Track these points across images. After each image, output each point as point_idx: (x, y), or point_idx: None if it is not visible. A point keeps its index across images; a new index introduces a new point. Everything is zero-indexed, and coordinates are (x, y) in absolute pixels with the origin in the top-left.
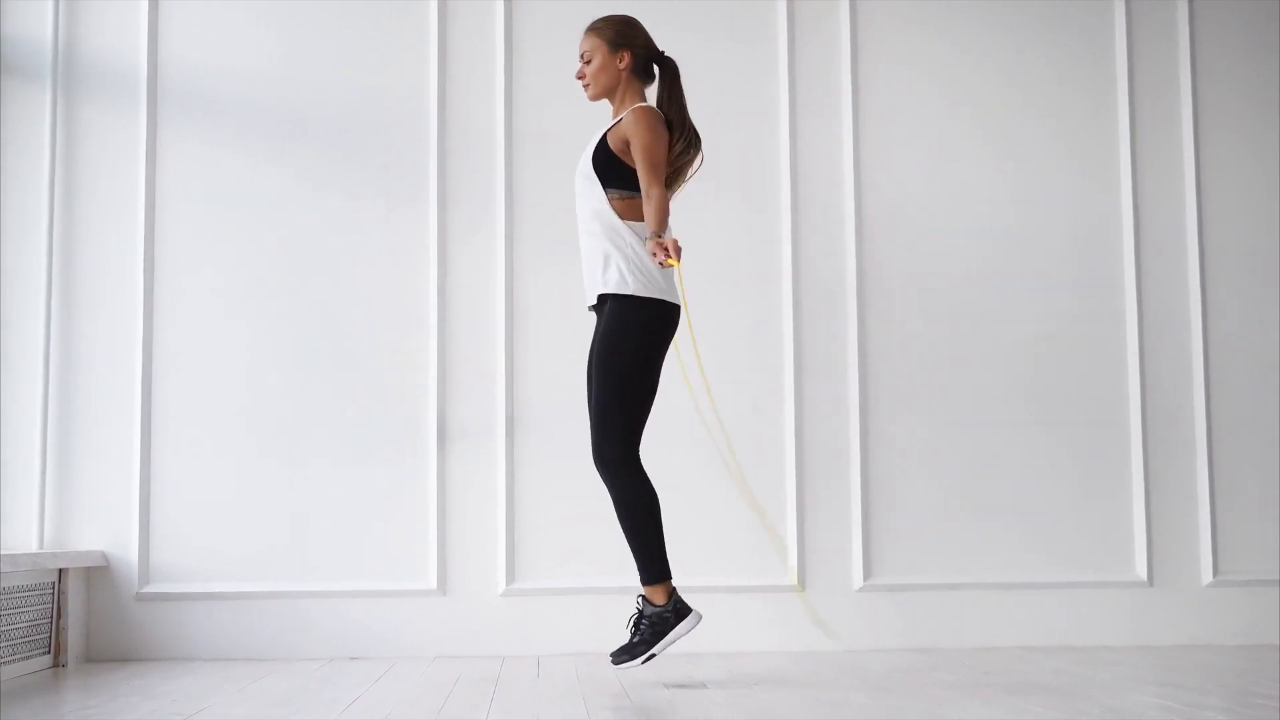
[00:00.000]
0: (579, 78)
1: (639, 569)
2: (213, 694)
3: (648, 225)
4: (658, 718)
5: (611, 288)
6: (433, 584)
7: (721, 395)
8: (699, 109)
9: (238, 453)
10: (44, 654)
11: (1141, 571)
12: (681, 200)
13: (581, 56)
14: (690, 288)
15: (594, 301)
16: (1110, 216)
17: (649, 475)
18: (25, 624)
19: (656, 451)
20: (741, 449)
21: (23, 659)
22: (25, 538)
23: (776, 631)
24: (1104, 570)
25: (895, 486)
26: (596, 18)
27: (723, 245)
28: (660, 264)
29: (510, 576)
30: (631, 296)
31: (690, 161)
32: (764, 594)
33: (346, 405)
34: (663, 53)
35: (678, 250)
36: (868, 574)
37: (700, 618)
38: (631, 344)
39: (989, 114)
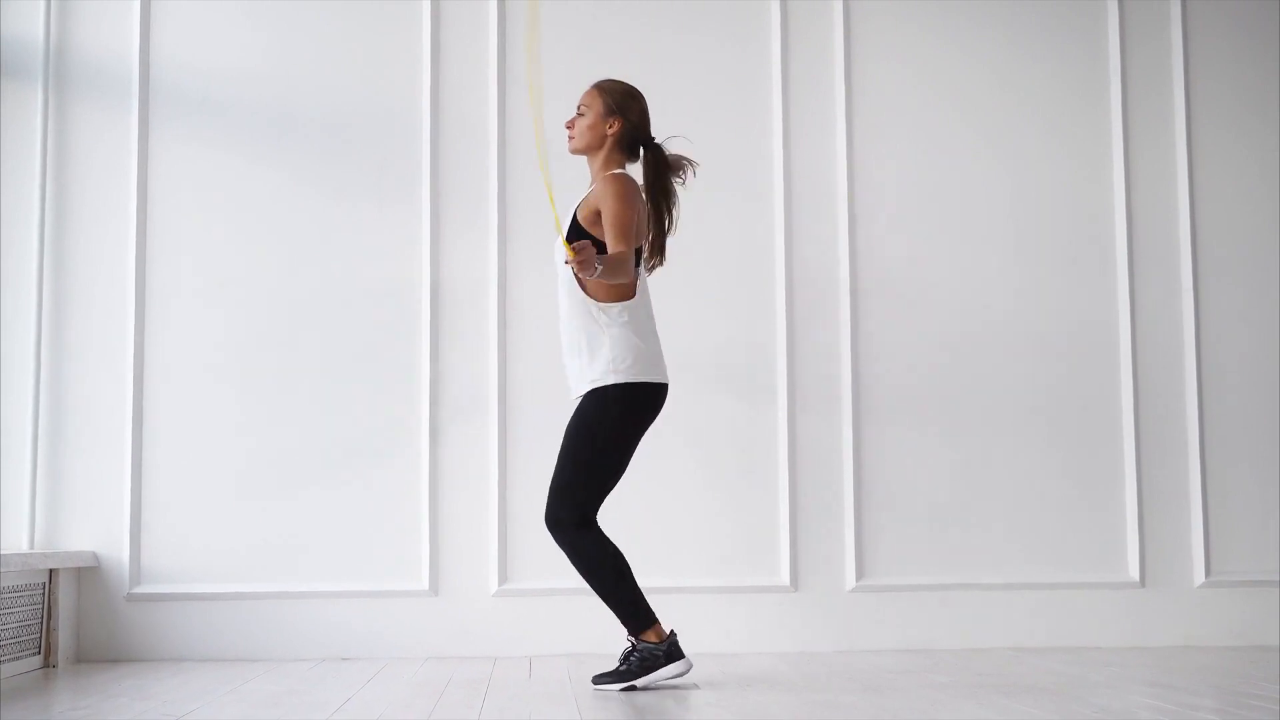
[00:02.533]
0: (567, 126)
1: (622, 623)
2: (203, 695)
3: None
4: (650, 718)
5: (590, 385)
6: (425, 584)
7: (715, 395)
8: (692, 109)
9: (229, 453)
10: (34, 654)
11: (1134, 572)
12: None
13: (578, 107)
14: (685, 287)
15: (576, 395)
16: (1103, 217)
17: (606, 534)
18: (15, 624)
19: (649, 454)
20: (735, 450)
21: (12, 659)
22: (15, 538)
23: (768, 632)
24: (1096, 571)
25: (888, 487)
26: (609, 78)
27: (716, 245)
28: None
29: (502, 577)
30: (611, 385)
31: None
32: (756, 595)
33: (338, 405)
34: (653, 137)
35: (581, 260)
36: (860, 575)
37: (690, 666)
38: (607, 429)
39: (982, 114)
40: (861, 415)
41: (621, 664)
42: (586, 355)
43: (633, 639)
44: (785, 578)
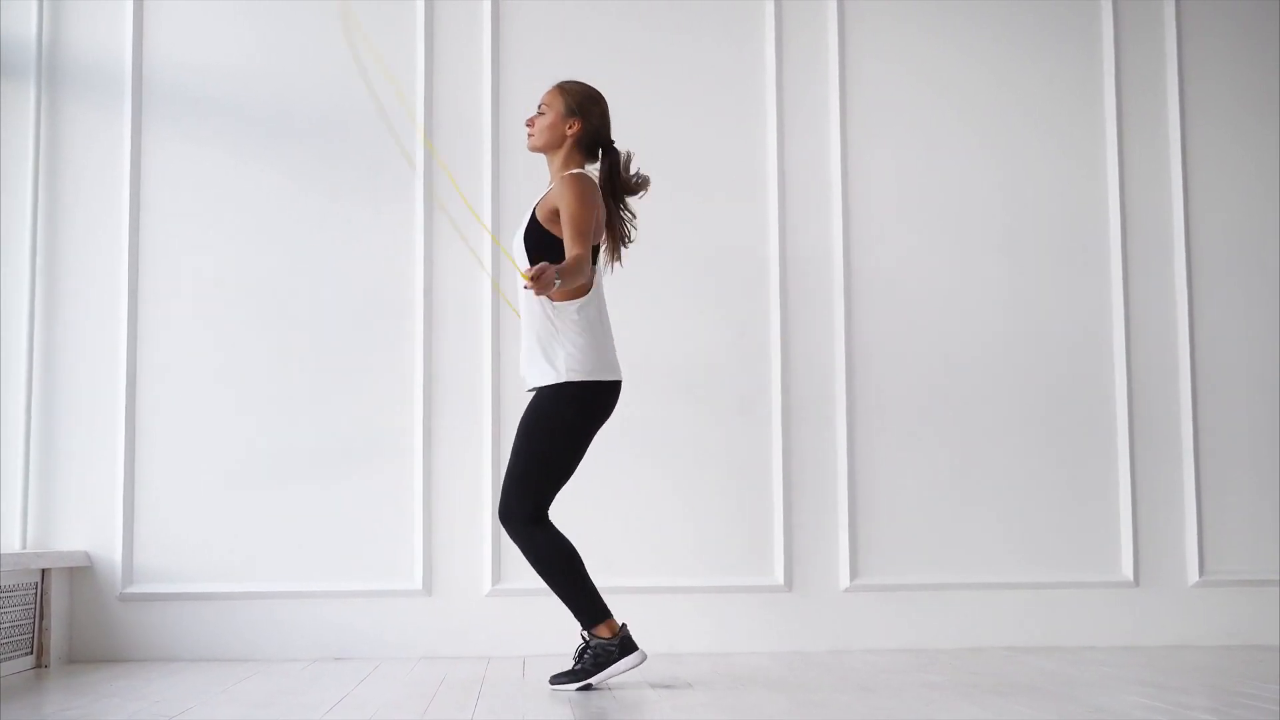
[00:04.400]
0: (527, 124)
1: (575, 616)
2: (196, 695)
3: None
4: (643, 717)
5: (543, 381)
6: (418, 584)
7: (709, 395)
8: (685, 108)
9: (222, 453)
10: (26, 655)
11: (1128, 571)
12: (670, 199)
13: (539, 106)
14: (679, 286)
15: (530, 388)
16: (1097, 215)
17: (560, 529)
18: (8, 624)
19: (642, 454)
20: (730, 450)
21: (5, 660)
22: (8, 538)
23: (761, 632)
24: (1090, 570)
25: (882, 487)
26: (571, 79)
27: (710, 244)
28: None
29: (496, 576)
30: (564, 383)
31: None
32: (748, 594)
33: (331, 405)
34: (612, 141)
35: (540, 284)
36: (854, 575)
37: (644, 658)
38: (562, 424)
39: (977, 113)
40: (856, 415)
41: (576, 662)
42: (541, 352)
43: (585, 635)
44: (780, 577)
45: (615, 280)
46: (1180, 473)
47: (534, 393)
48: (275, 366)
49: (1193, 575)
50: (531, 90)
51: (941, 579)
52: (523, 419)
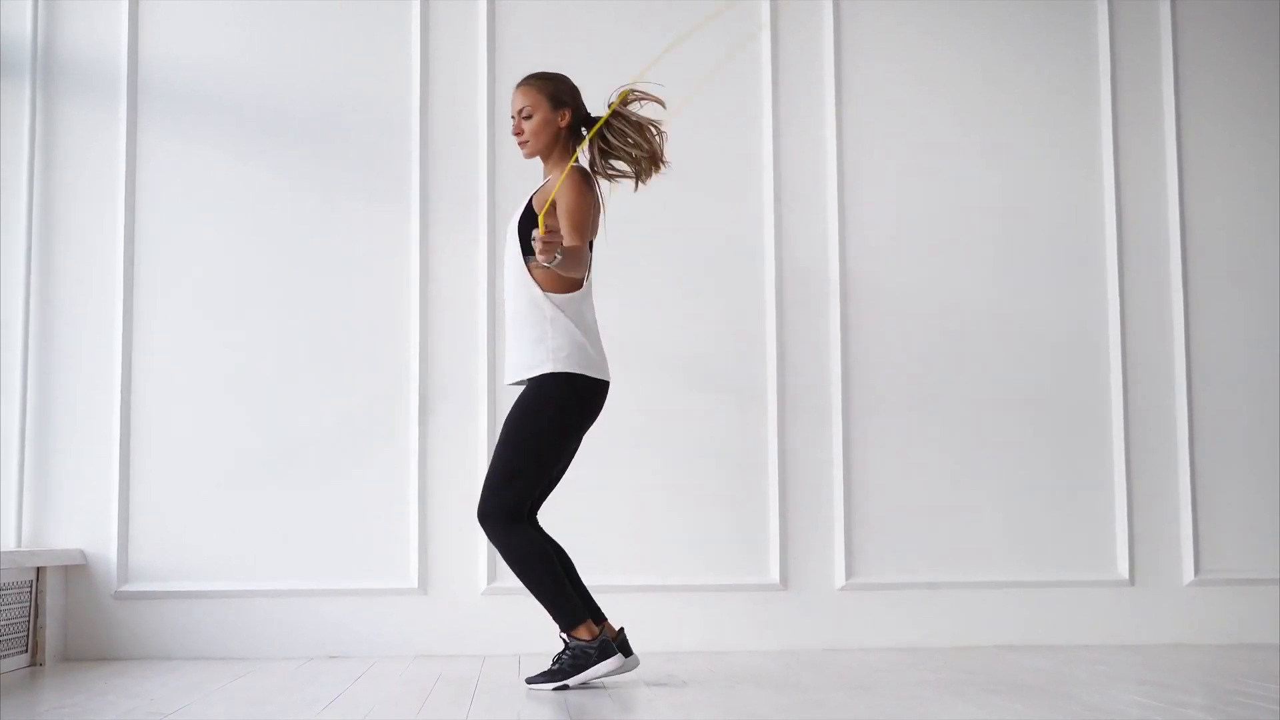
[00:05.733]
0: (515, 134)
1: (552, 617)
2: (191, 693)
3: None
4: (638, 717)
5: (530, 373)
6: (413, 582)
7: (705, 393)
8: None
9: (217, 451)
10: (21, 653)
11: (1123, 570)
12: (665, 198)
13: (520, 112)
14: (675, 283)
15: (512, 381)
16: (1093, 215)
17: (544, 531)
18: (2, 623)
19: (637, 452)
20: (725, 448)
21: (0, 658)
22: (3, 536)
23: (756, 630)
24: (1085, 569)
25: (878, 486)
26: (531, 73)
27: (706, 241)
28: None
29: (491, 575)
30: (552, 374)
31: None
32: (744, 593)
33: (327, 403)
34: (589, 114)
35: (548, 242)
36: (850, 573)
37: (622, 663)
38: (548, 419)
39: (972, 112)
40: (851, 413)
41: (554, 663)
42: (528, 343)
43: (564, 637)
44: (775, 576)
45: (610, 276)
46: (1175, 472)
47: (520, 386)
48: (271, 365)
49: (1188, 574)
50: None
51: (937, 577)
52: (509, 415)
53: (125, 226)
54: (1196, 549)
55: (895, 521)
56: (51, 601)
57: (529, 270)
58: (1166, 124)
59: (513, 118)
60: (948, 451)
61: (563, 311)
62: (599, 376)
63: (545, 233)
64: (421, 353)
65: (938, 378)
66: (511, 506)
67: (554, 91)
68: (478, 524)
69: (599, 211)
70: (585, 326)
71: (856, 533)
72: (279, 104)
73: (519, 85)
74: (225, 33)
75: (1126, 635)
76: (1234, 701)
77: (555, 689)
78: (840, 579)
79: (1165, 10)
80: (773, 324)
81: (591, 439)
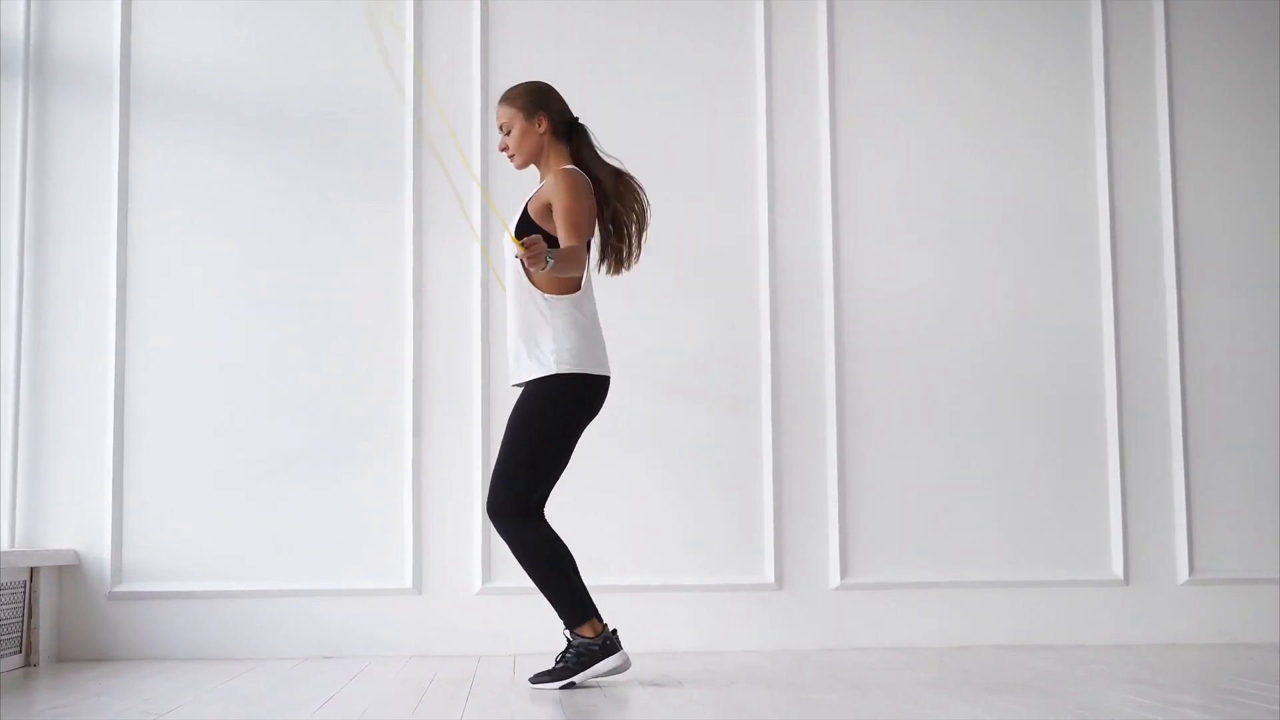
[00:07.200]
0: (502, 149)
1: (559, 614)
2: (185, 693)
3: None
4: (634, 716)
5: (532, 375)
6: (408, 583)
7: (700, 394)
8: (674, 108)
9: (211, 451)
10: (15, 654)
11: (1118, 570)
12: (660, 198)
13: (501, 129)
14: (670, 285)
15: (515, 383)
16: (1087, 214)
17: (553, 527)
18: None
19: (633, 452)
20: (720, 448)
21: None
22: None
23: (752, 630)
24: (1080, 569)
25: (872, 485)
26: (506, 89)
27: (700, 242)
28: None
29: (486, 575)
30: (553, 375)
31: (630, 220)
32: (740, 592)
33: (321, 403)
34: (576, 117)
35: (531, 255)
36: (845, 573)
37: (626, 660)
38: (551, 417)
39: (966, 113)
40: (846, 413)
41: (558, 661)
42: (530, 345)
43: (569, 634)
44: (770, 575)
45: (606, 278)
46: (1170, 471)
47: (521, 388)
48: (265, 365)
49: (1183, 573)
50: None
51: (932, 577)
52: (512, 413)
53: (119, 226)
54: (1191, 549)
55: (890, 521)
56: (45, 602)
57: (527, 274)
58: (1160, 123)
59: (500, 135)
60: (942, 451)
61: (562, 313)
62: (599, 373)
63: (523, 247)
64: (416, 353)
65: (932, 378)
66: (522, 500)
67: (525, 102)
68: (488, 520)
69: (595, 210)
70: (585, 324)
71: (851, 532)
72: (273, 104)
73: (499, 103)
74: (219, 32)
75: (1121, 635)
76: (1229, 701)
77: (562, 687)
78: (835, 579)
79: (1159, 10)
80: (767, 325)
81: (588, 440)
